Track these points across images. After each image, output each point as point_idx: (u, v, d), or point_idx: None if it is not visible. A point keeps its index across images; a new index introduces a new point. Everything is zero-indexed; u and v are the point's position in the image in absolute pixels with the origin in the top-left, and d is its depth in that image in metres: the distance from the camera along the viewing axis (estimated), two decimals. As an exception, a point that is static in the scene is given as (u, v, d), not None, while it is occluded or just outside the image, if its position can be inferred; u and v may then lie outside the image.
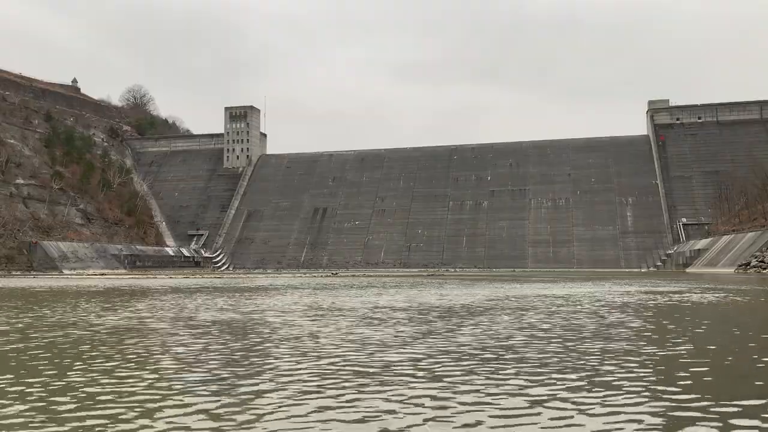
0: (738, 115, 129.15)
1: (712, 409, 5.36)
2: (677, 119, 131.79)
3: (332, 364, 7.76)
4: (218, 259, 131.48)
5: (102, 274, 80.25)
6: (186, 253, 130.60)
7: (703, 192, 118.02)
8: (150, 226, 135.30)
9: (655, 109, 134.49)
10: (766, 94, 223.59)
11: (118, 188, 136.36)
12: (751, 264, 69.68)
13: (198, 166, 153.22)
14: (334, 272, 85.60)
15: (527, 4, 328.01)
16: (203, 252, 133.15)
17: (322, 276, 64.39)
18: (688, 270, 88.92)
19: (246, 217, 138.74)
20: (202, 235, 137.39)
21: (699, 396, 5.89)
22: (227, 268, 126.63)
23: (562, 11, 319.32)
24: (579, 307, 17.28)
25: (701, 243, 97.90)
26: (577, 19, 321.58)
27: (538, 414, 5.23)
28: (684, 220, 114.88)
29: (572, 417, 5.13)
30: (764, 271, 65.26)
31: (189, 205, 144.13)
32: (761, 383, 6.54)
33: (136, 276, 69.14)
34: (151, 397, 5.95)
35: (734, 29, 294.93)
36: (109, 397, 5.94)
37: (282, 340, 10.11)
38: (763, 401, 5.65)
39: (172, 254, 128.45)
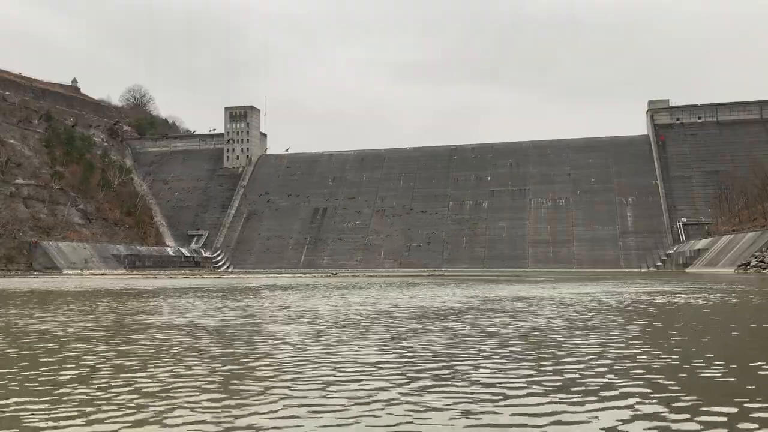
0: (738, 115, 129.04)
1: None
2: (677, 119, 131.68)
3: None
4: (218, 259, 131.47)
5: (102, 275, 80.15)
6: (186, 253, 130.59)
7: (703, 192, 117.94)
8: (150, 226, 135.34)
9: (655, 109, 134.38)
10: (766, 94, 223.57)
11: (118, 188, 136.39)
12: (751, 264, 69.64)
13: (198, 166, 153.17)
14: (333, 272, 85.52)
15: (527, 4, 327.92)
16: (203, 252, 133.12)
17: (321, 276, 64.33)
18: (688, 270, 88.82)
19: (246, 217, 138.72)
20: (202, 235, 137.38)
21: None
22: (227, 268, 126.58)
23: (562, 11, 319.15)
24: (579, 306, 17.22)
25: (701, 243, 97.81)
26: (577, 19, 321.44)
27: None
28: (684, 220, 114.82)
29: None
30: (764, 271, 65.19)
31: (189, 205, 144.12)
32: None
33: (135, 276, 69.07)
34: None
35: (734, 29, 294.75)
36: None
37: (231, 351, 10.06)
38: None
39: (172, 254, 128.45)
